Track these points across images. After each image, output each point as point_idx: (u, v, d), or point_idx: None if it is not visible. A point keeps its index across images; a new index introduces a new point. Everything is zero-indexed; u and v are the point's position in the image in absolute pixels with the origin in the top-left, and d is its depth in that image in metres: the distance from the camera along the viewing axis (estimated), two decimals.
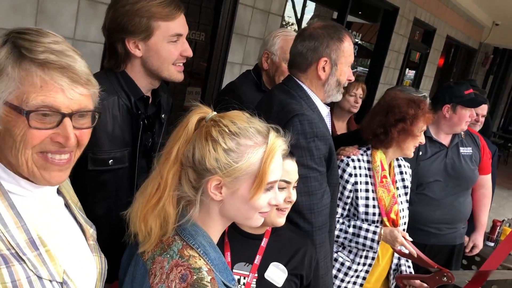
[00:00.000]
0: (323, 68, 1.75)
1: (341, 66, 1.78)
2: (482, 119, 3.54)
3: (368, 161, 2.19)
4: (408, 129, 2.09)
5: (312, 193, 1.67)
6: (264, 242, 1.49)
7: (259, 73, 2.50)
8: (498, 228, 3.63)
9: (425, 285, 2.03)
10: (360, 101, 3.33)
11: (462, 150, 2.92)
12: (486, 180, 3.13)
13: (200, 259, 1.06)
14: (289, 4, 5.14)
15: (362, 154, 2.21)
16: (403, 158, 2.43)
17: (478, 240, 3.15)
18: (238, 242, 1.47)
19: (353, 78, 1.88)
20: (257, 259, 1.45)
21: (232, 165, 1.06)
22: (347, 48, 1.78)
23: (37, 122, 0.87)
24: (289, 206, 1.49)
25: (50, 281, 0.90)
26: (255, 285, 1.44)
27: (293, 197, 1.48)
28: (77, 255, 1.02)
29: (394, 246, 2.05)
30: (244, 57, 4.05)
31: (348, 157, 2.18)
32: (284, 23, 5.05)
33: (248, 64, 4.03)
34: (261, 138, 1.10)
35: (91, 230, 1.11)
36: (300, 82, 1.81)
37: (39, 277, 0.88)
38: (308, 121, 1.68)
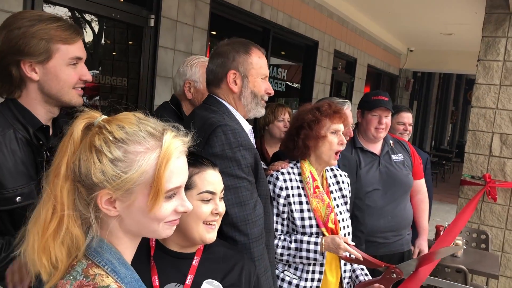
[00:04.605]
0: (234, 81, 1.77)
1: (253, 78, 1.80)
2: (410, 128, 3.64)
3: (299, 174, 2.16)
4: (310, 134, 2.10)
5: (244, 203, 1.61)
6: (195, 261, 1.38)
7: (178, 103, 2.47)
8: (441, 232, 3.68)
9: (383, 287, 1.99)
10: (288, 124, 3.34)
11: (394, 157, 2.98)
12: (420, 185, 3.20)
13: (108, 277, 0.92)
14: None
15: (292, 167, 2.18)
16: (338, 168, 2.42)
17: (423, 245, 3.17)
18: (167, 263, 1.34)
19: (272, 92, 1.87)
20: (189, 279, 1.33)
21: (121, 176, 0.93)
22: (256, 61, 1.80)
23: None
24: (217, 218, 1.40)
25: None
26: None
27: (220, 208, 1.39)
28: None
29: (338, 253, 1.99)
30: None
31: (278, 171, 2.14)
32: None
33: None
34: (154, 141, 0.96)
35: None
36: (220, 99, 1.81)
37: None
38: (232, 131, 1.66)
